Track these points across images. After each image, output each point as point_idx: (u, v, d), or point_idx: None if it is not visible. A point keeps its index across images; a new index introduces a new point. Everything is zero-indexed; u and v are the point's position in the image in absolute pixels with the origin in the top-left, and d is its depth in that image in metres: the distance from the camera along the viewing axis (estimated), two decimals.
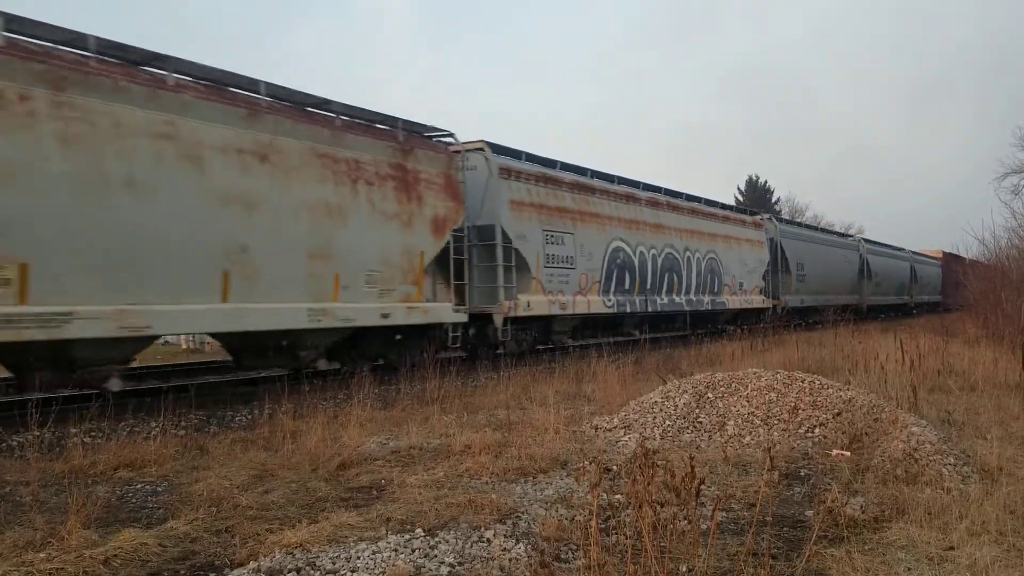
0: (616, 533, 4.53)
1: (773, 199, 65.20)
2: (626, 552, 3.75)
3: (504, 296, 14.30)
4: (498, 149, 15.31)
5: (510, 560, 4.30)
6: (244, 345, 11.25)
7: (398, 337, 12.92)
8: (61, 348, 8.34)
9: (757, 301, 24.57)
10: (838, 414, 7.48)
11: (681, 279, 20.48)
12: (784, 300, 25.97)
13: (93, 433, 8.11)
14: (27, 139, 7.82)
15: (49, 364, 8.54)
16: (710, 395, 8.16)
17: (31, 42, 8.19)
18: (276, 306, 10.19)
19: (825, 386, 8.00)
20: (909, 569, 4.15)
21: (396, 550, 4.39)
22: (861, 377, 10.51)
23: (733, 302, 23.15)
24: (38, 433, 7.59)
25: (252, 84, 10.44)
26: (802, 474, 6.31)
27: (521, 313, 14.69)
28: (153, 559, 4.48)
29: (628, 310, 18.23)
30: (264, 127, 10.18)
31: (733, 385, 8.25)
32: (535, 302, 15.16)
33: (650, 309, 19.04)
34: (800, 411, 7.57)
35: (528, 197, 15.45)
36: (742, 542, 4.37)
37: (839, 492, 5.26)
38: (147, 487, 6.23)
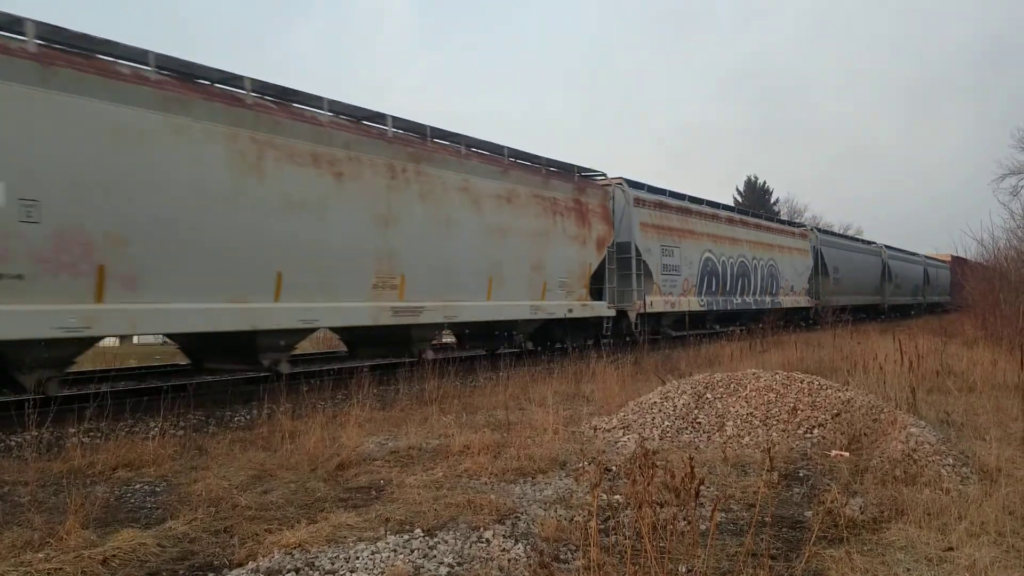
0: (615, 533, 4.53)
1: (772, 200, 65.29)
2: (625, 552, 3.75)
3: (636, 297, 18.72)
4: (630, 183, 19.66)
5: (509, 560, 4.30)
6: (481, 332, 15.75)
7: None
8: (409, 330, 12.83)
9: (803, 301, 28.82)
10: (837, 415, 7.48)
11: (750, 283, 24.85)
12: (824, 300, 29.46)
13: (92, 433, 8.11)
14: (405, 196, 12.28)
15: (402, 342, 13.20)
16: (709, 396, 8.16)
17: (401, 133, 12.76)
18: (515, 303, 14.67)
19: (824, 387, 8.01)
20: (908, 570, 4.15)
21: (395, 550, 4.39)
22: (860, 378, 10.51)
23: (786, 302, 27.17)
24: (36, 433, 7.59)
25: (500, 149, 14.91)
26: (801, 475, 6.32)
27: (647, 311, 19.13)
28: (152, 559, 4.47)
29: (713, 308, 22.55)
30: (509, 179, 14.79)
31: (732, 386, 8.26)
32: (656, 302, 19.48)
33: (728, 308, 23.29)
34: (799, 412, 7.57)
35: (650, 220, 19.85)
36: (741, 543, 4.37)
37: (838, 493, 5.27)
38: (146, 487, 6.22)
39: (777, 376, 8.32)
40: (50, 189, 7.89)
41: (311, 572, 4.12)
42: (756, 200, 61.33)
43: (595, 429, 8.07)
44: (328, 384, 10.87)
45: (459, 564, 4.27)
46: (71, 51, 8.48)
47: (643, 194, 19.99)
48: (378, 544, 4.48)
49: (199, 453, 7.40)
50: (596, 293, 17.31)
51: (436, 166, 12.90)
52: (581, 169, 17.53)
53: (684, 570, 4.04)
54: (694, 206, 22.65)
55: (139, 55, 9.11)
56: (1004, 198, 34.57)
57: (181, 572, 4.33)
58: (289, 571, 4.12)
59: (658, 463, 4.16)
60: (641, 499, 3.77)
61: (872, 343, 15.26)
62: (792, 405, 7.67)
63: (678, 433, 7.64)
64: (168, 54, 9.47)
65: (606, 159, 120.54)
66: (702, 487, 3.86)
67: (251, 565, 4.23)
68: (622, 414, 8.31)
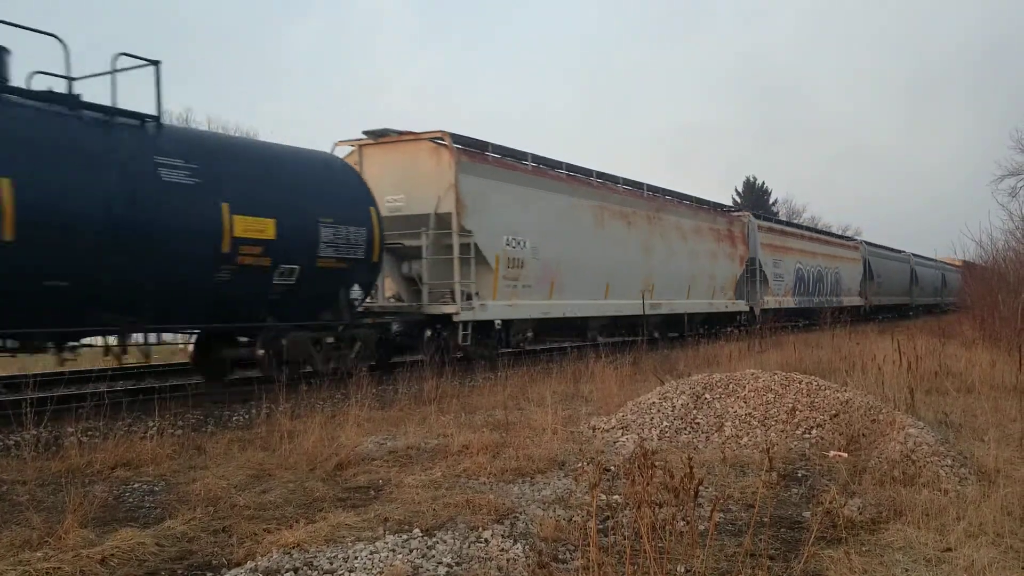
0: (614, 534, 4.53)
1: (771, 200, 65.44)
2: (624, 553, 3.75)
3: (759, 297, 26.57)
4: (755, 214, 28.78)
5: (508, 560, 4.30)
6: (677, 320, 22.30)
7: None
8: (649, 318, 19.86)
9: (857, 300, 36.51)
10: (836, 415, 7.48)
11: (824, 286, 33.08)
12: (870, 299, 37.73)
13: (90, 432, 8.10)
14: (654, 234, 20.76)
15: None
16: (708, 396, 8.17)
17: (648, 192, 21.63)
18: (700, 301, 22.95)
19: (823, 387, 8.01)
20: (907, 570, 4.15)
21: (394, 550, 4.39)
22: (858, 378, 10.52)
23: (846, 301, 34.51)
24: (35, 432, 7.58)
25: (687, 197, 23.66)
26: (800, 475, 6.32)
27: (764, 307, 26.50)
28: (150, 558, 4.47)
29: (802, 306, 30.29)
30: (697, 218, 23.33)
31: (731, 386, 8.26)
32: (769, 301, 27.30)
33: (810, 305, 30.53)
34: (798, 412, 7.57)
35: (767, 241, 27.86)
36: (740, 543, 4.37)
37: (837, 493, 5.27)
38: (144, 486, 6.22)
39: (776, 376, 8.33)
40: (540, 241, 16.01)
41: (310, 572, 4.12)
42: (754, 200, 61.50)
43: (594, 429, 8.07)
44: (326, 383, 10.88)
45: (458, 564, 4.27)
46: (538, 165, 17.29)
47: (761, 221, 28.55)
48: (377, 544, 4.48)
49: (198, 452, 7.40)
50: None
51: (666, 213, 21.53)
52: (729, 207, 28.88)
53: (683, 570, 4.05)
54: (789, 228, 32.49)
55: (556, 164, 17.85)
56: (1003, 199, 34.53)
57: (180, 571, 4.33)
58: (288, 571, 4.12)
59: (657, 463, 4.17)
60: (640, 499, 3.77)
61: (870, 344, 15.27)
62: (791, 405, 7.67)
63: (677, 433, 7.64)
64: (568, 163, 18.22)
65: (605, 159, 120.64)
66: (701, 487, 3.86)
67: (250, 564, 4.23)
68: (621, 414, 8.31)
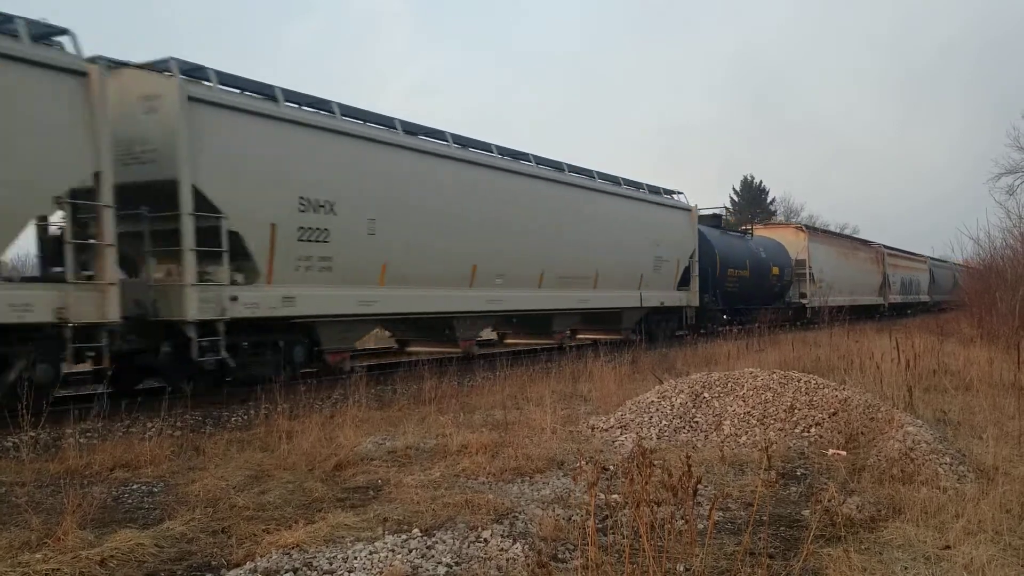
0: (613, 533, 4.53)
1: (768, 199, 65.48)
2: (623, 552, 3.75)
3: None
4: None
5: (507, 560, 4.30)
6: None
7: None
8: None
9: (925, 297, 45.78)
10: (834, 413, 7.49)
11: (909, 287, 43.28)
12: (902, 298, 43.34)
13: (88, 433, 8.09)
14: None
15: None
16: (706, 395, 8.17)
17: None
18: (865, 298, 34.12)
19: (821, 386, 8.01)
20: (906, 568, 4.16)
21: (393, 550, 4.38)
22: (857, 377, 10.53)
23: (920, 298, 44.59)
24: (33, 434, 7.57)
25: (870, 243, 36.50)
26: (798, 473, 6.32)
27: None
28: (150, 560, 4.47)
29: (901, 301, 40.34)
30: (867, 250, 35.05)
31: (729, 385, 8.26)
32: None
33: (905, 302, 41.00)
34: (796, 411, 7.58)
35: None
36: (739, 541, 4.37)
37: (836, 491, 5.27)
38: (143, 487, 6.21)
39: (774, 375, 8.33)
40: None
41: (309, 572, 4.12)
42: (753, 200, 61.52)
43: (593, 428, 8.07)
44: (325, 383, 10.87)
45: (457, 564, 4.27)
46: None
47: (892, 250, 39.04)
48: (376, 544, 4.47)
49: (196, 453, 7.40)
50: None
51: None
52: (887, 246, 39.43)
53: (682, 569, 4.05)
54: (875, 243, 39.73)
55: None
56: (1000, 197, 34.56)
57: (179, 572, 4.33)
58: (287, 571, 4.11)
59: (656, 462, 4.17)
60: (639, 498, 3.76)
61: (868, 342, 15.28)
62: (789, 404, 7.68)
63: (676, 432, 7.64)
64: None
65: (603, 157, 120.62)
66: (700, 486, 3.86)
67: (249, 565, 4.22)
68: (620, 413, 8.31)
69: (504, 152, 15.36)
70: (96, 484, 6.25)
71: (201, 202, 9.57)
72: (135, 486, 6.26)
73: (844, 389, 8.03)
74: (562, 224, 16.48)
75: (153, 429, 8.31)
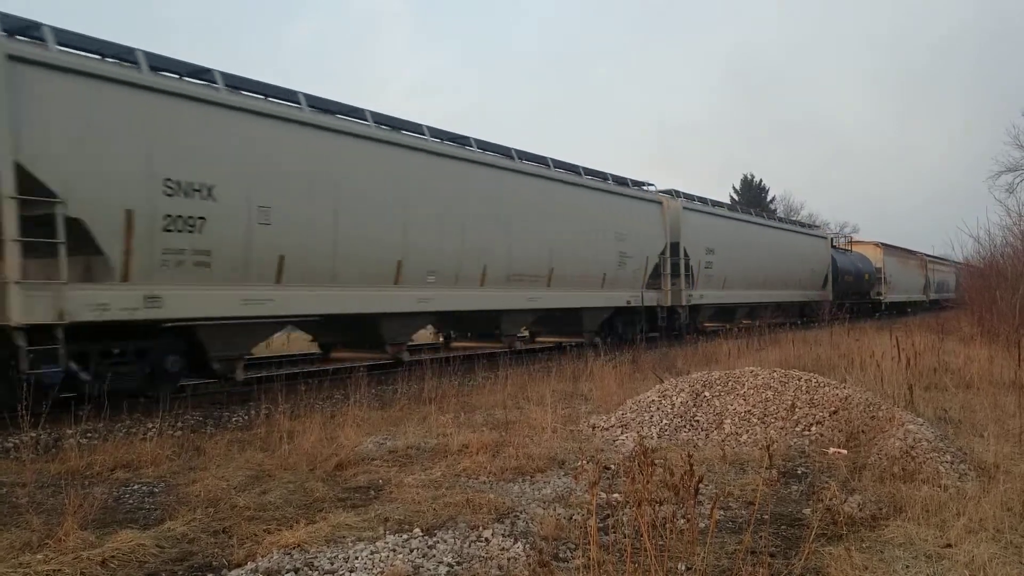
0: (615, 532, 4.53)
1: (768, 198, 65.53)
2: (625, 551, 3.75)
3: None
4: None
5: (508, 559, 4.30)
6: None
7: None
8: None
9: (951, 294, 46.57)
10: (835, 412, 7.49)
11: (942, 287, 49.51)
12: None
13: (89, 434, 8.09)
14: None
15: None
16: (707, 394, 8.17)
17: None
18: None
19: (822, 384, 8.01)
20: (907, 567, 4.16)
21: (394, 550, 4.38)
22: (857, 375, 10.53)
23: (949, 295, 46.29)
24: (34, 434, 7.57)
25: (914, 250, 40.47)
26: (799, 472, 6.32)
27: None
28: (151, 560, 4.47)
29: (937, 297, 45.55)
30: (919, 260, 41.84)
31: (730, 383, 8.26)
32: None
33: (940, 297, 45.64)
34: (797, 409, 7.58)
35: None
36: (740, 540, 4.37)
37: (837, 490, 5.27)
38: (144, 488, 6.21)
39: (775, 374, 8.33)
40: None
41: (310, 572, 4.12)
42: (753, 198, 61.54)
43: (593, 428, 8.07)
44: (326, 383, 10.87)
45: (458, 563, 4.27)
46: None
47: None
48: (377, 544, 4.47)
49: (197, 454, 7.40)
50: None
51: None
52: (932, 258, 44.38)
53: (683, 568, 4.05)
54: (918, 252, 46.41)
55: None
56: (1000, 195, 34.60)
57: (180, 573, 4.32)
58: (288, 571, 4.11)
59: (657, 461, 4.17)
60: (640, 497, 3.77)
61: (869, 340, 15.28)
62: (790, 403, 7.68)
63: (676, 431, 7.64)
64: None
65: (602, 155, 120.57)
66: (701, 485, 3.86)
67: (250, 565, 4.23)
68: (620, 412, 8.31)
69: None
70: (97, 484, 6.25)
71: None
72: (136, 486, 6.25)
73: (845, 387, 8.02)
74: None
75: (154, 429, 8.30)
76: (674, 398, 8.20)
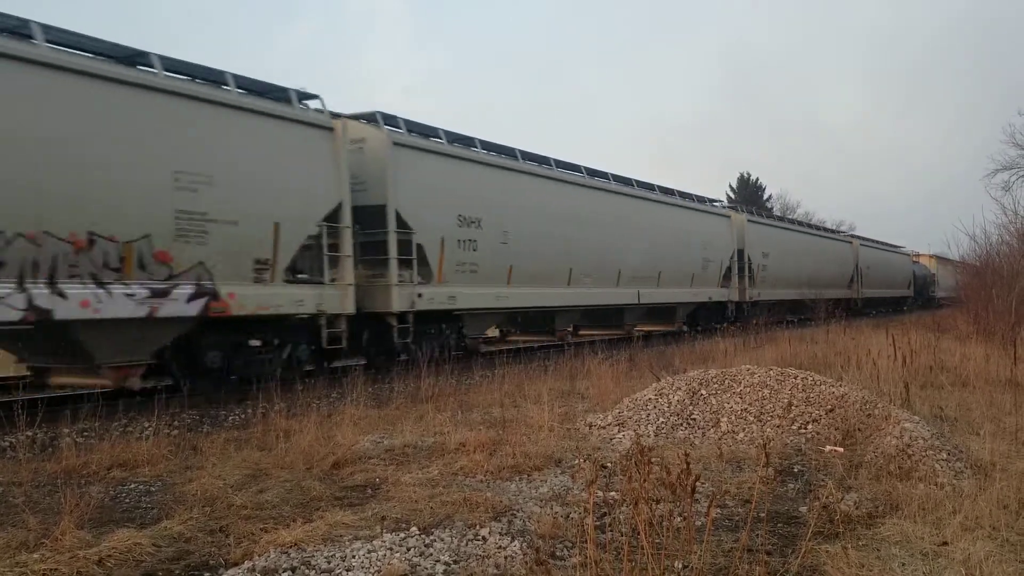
0: (611, 530, 4.53)
1: (765, 196, 65.60)
2: (622, 549, 3.75)
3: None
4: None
5: (506, 558, 4.30)
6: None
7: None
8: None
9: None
10: (831, 410, 7.50)
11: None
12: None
13: (86, 433, 8.08)
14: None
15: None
16: (703, 392, 8.17)
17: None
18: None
19: (818, 382, 8.02)
20: (903, 564, 4.16)
21: (391, 549, 4.38)
22: (853, 373, 10.54)
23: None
24: (30, 433, 7.56)
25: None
26: (796, 470, 6.33)
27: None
28: (147, 559, 4.46)
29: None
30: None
31: (726, 382, 8.27)
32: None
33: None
34: (793, 407, 7.58)
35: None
36: (737, 538, 4.38)
37: (833, 488, 5.28)
38: (140, 487, 6.20)
39: (771, 372, 8.34)
40: None
41: (307, 571, 4.11)
42: (749, 196, 61.60)
43: (590, 426, 8.07)
44: (322, 382, 10.86)
45: (455, 562, 4.27)
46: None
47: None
48: (374, 543, 4.47)
49: (194, 453, 7.39)
50: None
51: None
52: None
53: (680, 566, 4.05)
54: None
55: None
56: (996, 194, 34.62)
57: (177, 572, 4.32)
58: (285, 570, 4.11)
59: (654, 460, 4.17)
60: (637, 496, 3.77)
61: (865, 339, 15.30)
62: (786, 401, 7.68)
63: (673, 429, 7.65)
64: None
65: (604, 157, 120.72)
66: (698, 483, 3.86)
67: (247, 564, 4.22)
68: (617, 411, 8.31)
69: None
70: (93, 484, 6.24)
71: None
72: (133, 485, 6.25)
73: (841, 386, 8.03)
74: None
75: (150, 429, 8.30)
76: (671, 396, 8.21)
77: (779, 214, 46.81)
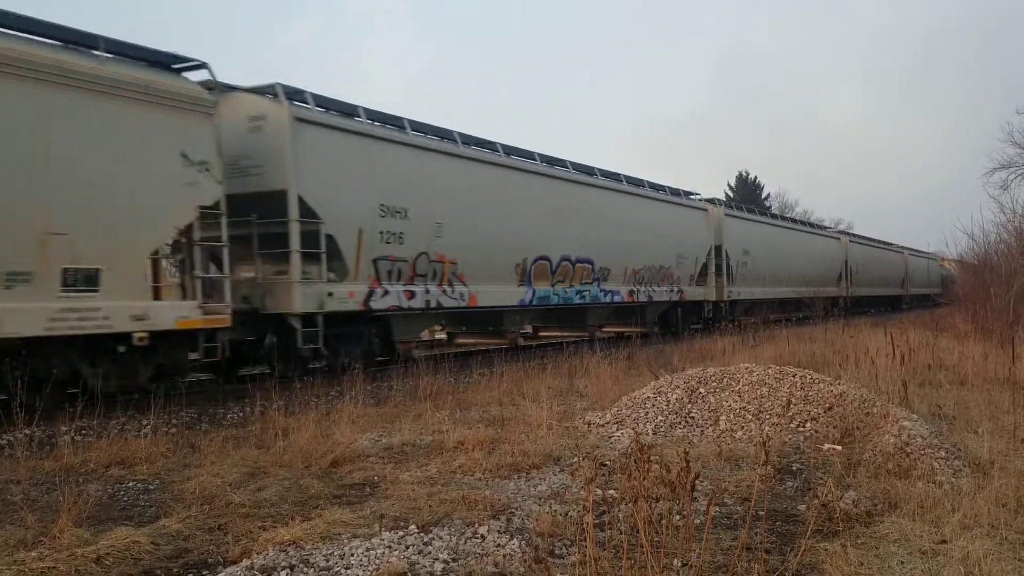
0: (610, 528, 4.52)
1: (763, 195, 65.63)
2: (621, 547, 3.75)
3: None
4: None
5: (504, 556, 4.30)
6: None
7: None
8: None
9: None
10: (829, 408, 7.50)
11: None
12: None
13: (84, 431, 8.07)
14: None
15: None
16: (702, 390, 8.17)
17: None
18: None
19: (816, 381, 8.02)
20: (902, 563, 4.16)
21: (390, 547, 4.38)
22: (852, 372, 10.55)
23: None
24: (28, 431, 7.54)
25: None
26: (794, 468, 6.33)
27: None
28: (146, 557, 4.46)
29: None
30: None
31: (725, 380, 8.27)
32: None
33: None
34: (792, 406, 7.59)
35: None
36: (736, 536, 4.38)
37: (832, 486, 5.28)
38: (139, 485, 6.20)
39: (770, 370, 8.34)
40: None
41: (306, 569, 4.11)
42: (747, 195, 61.63)
43: (589, 424, 8.07)
44: (320, 381, 10.85)
45: (454, 560, 4.26)
46: None
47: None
48: (373, 541, 4.47)
49: (192, 451, 7.38)
50: None
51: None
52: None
53: (680, 564, 4.05)
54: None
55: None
56: (994, 192, 34.64)
57: (175, 570, 4.31)
58: (283, 568, 4.11)
59: (652, 458, 4.16)
60: (636, 494, 3.76)
61: (863, 337, 15.31)
62: (785, 399, 7.69)
63: (672, 428, 7.65)
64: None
65: (601, 151, 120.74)
66: (696, 481, 3.86)
67: (245, 562, 4.21)
68: (616, 409, 8.31)
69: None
70: (92, 482, 6.23)
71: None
72: (131, 483, 6.24)
73: (839, 384, 8.03)
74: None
75: (148, 427, 8.28)
76: (669, 395, 8.21)
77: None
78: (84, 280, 8.47)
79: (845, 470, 6.05)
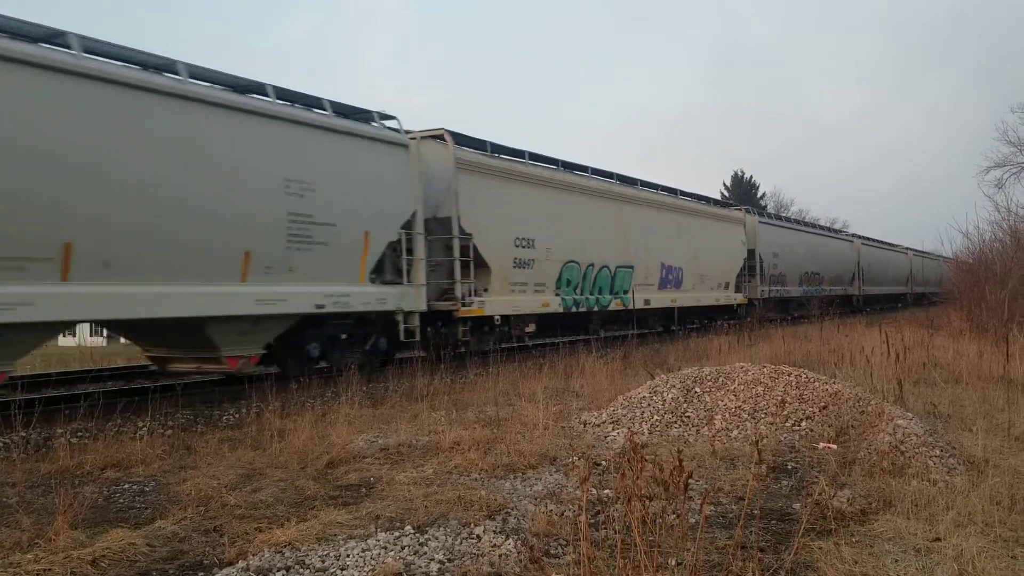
0: (605, 528, 4.54)
1: (759, 194, 65.71)
2: (616, 546, 3.76)
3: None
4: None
5: (500, 556, 4.30)
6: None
7: None
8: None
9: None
10: (824, 407, 7.52)
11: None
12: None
13: (80, 433, 8.06)
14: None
15: None
16: (698, 389, 8.19)
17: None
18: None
19: (811, 379, 8.04)
20: (896, 561, 4.18)
21: (386, 547, 4.38)
22: (847, 371, 10.57)
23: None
24: (24, 434, 7.54)
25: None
26: (789, 467, 6.35)
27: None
28: (141, 559, 4.45)
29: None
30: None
31: (720, 379, 8.28)
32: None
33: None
34: (787, 405, 7.61)
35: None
36: (731, 535, 4.39)
37: (826, 485, 5.29)
38: (134, 487, 6.19)
39: (765, 369, 8.36)
40: None
41: (301, 570, 4.11)
42: (743, 194, 61.71)
43: (585, 424, 8.08)
44: (318, 381, 10.85)
45: (450, 560, 4.27)
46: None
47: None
48: (368, 541, 4.47)
49: (188, 452, 7.38)
50: None
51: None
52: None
53: (674, 563, 4.05)
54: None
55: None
56: (989, 190, 34.77)
57: (171, 571, 4.31)
58: (279, 569, 4.11)
59: (647, 457, 4.17)
60: (631, 493, 3.77)
61: (858, 336, 15.34)
62: (780, 398, 7.71)
63: (667, 427, 7.66)
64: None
65: (600, 150, 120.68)
66: (691, 480, 3.87)
67: (241, 564, 4.22)
68: (611, 409, 8.32)
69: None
70: (87, 484, 6.23)
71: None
72: (126, 485, 6.23)
73: (834, 383, 8.06)
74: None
75: (144, 428, 8.28)
76: (665, 394, 8.22)
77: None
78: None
79: (840, 468, 6.06)
